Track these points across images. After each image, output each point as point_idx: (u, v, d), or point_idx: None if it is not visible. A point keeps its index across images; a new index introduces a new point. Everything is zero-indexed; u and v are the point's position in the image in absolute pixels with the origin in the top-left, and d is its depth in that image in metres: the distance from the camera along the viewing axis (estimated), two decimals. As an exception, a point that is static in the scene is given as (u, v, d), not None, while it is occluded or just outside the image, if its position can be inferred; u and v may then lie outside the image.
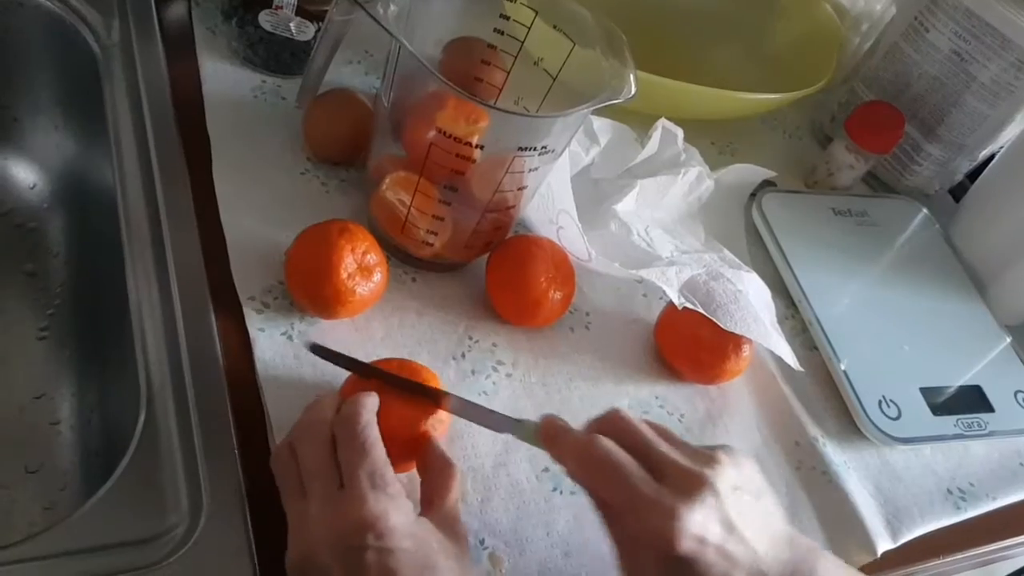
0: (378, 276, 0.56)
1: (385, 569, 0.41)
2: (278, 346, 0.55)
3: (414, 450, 0.49)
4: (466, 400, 0.51)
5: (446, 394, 0.51)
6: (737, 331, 0.60)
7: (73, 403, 0.66)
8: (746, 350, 0.62)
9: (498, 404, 0.58)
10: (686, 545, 0.42)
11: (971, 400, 0.70)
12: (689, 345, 0.62)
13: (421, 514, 0.46)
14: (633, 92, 0.53)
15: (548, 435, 0.48)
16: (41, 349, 0.68)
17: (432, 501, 0.47)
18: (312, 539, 0.43)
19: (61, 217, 0.74)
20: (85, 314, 0.69)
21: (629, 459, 0.44)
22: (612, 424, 0.47)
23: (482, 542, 0.52)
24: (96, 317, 0.67)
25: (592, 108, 0.53)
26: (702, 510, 0.43)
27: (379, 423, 0.46)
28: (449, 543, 0.45)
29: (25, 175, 0.75)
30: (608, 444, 0.45)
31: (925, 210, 0.84)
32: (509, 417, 0.51)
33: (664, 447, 0.45)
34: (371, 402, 0.47)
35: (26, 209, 0.74)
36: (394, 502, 0.43)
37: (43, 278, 0.71)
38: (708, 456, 0.45)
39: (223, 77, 0.68)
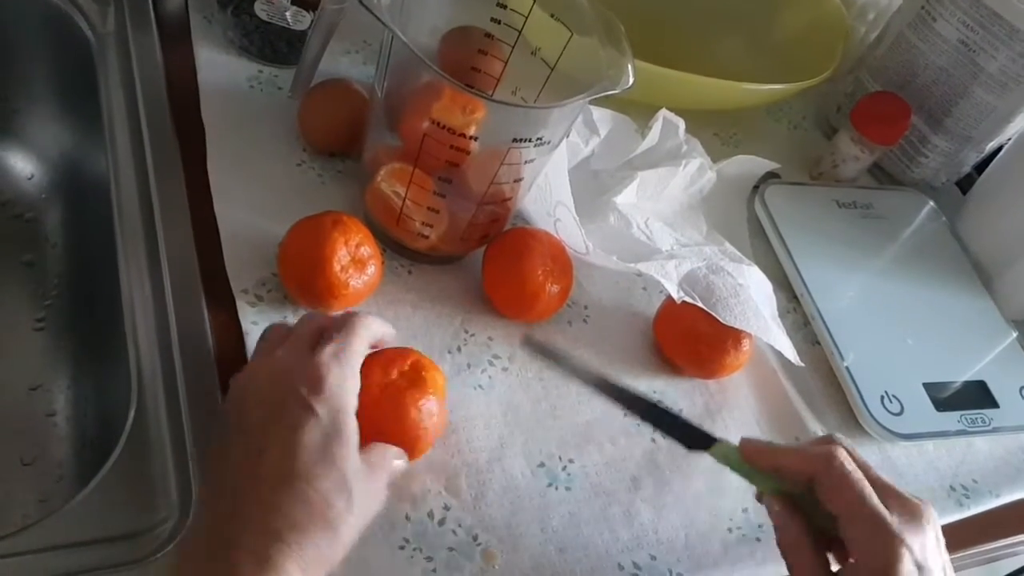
0: (372, 269, 0.55)
1: (294, 420, 0.43)
2: (271, 339, 0.55)
3: (401, 440, 0.49)
4: (661, 408, 0.52)
5: (638, 399, 0.51)
6: (737, 325, 0.59)
7: (69, 394, 0.66)
8: (746, 344, 0.61)
9: (495, 398, 0.57)
10: (906, 569, 0.43)
11: (975, 396, 0.69)
12: (688, 339, 0.62)
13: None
14: (631, 82, 0.52)
15: (752, 452, 0.49)
16: (38, 340, 0.68)
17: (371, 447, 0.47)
18: (263, 369, 0.46)
19: (59, 208, 0.74)
20: (81, 305, 0.69)
21: (862, 476, 0.46)
22: (827, 467, 0.47)
23: (475, 537, 0.51)
24: (92, 308, 0.66)
25: (588, 98, 0.52)
26: (924, 540, 0.45)
27: (371, 410, 0.47)
28: (360, 463, 0.44)
29: (23, 165, 0.75)
30: (846, 457, 0.47)
31: (931, 202, 0.83)
32: (708, 435, 0.50)
33: (884, 477, 0.47)
34: (380, 324, 0.50)
35: (24, 199, 0.74)
36: (341, 374, 0.45)
37: (41, 269, 0.71)
38: (918, 499, 0.47)
39: (218, 66, 0.67)
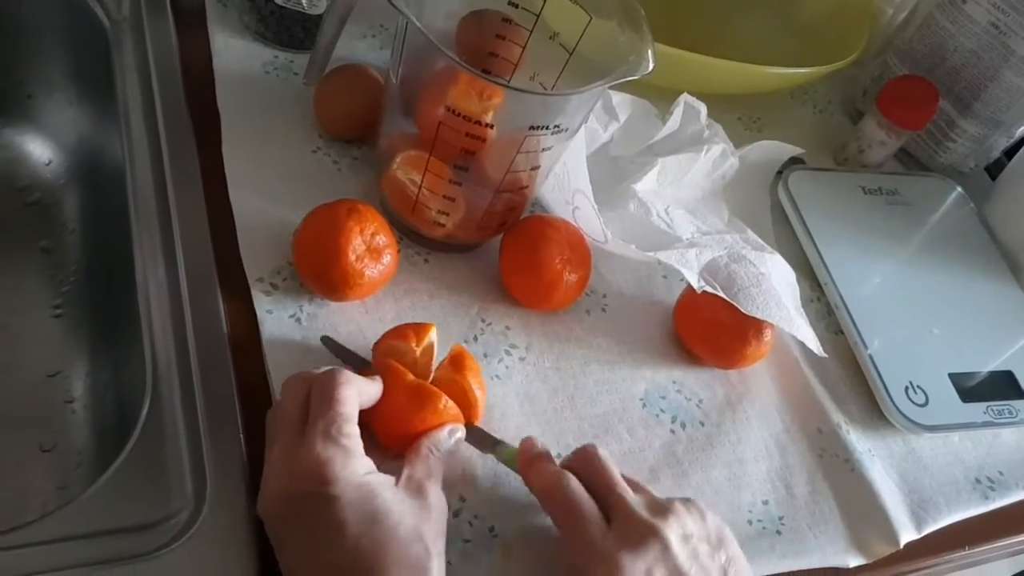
0: (387, 258, 0.55)
1: (327, 518, 0.42)
2: (286, 329, 0.54)
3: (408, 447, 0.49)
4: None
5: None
6: (758, 315, 0.58)
7: (87, 381, 0.66)
8: (768, 335, 0.60)
9: (511, 388, 0.57)
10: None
11: (1002, 386, 0.68)
12: (708, 329, 0.61)
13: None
14: (651, 67, 0.51)
15: (525, 461, 0.50)
16: (56, 326, 0.68)
17: (402, 469, 0.47)
18: (268, 486, 0.44)
19: (76, 193, 0.74)
20: (99, 291, 0.69)
21: (589, 502, 0.47)
22: (586, 460, 0.49)
23: (491, 529, 0.51)
24: (109, 295, 0.66)
25: (607, 85, 0.51)
26: (645, 561, 0.44)
27: (379, 418, 0.47)
28: (410, 500, 0.44)
29: (41, 151, 0.75)
30: (574, 484, 0.47)
31: (959, 188, 0.81)
32: (490, 436, 0.52)
33: (626, 494, 0.47)
34: (355, 379, 0.47)
35: (42, 185, 0.74)
36: (343, 451, 0.43)
37: (58, 255, 0.71)
38: (664, 507, 0.47)
39: (234, 52, 0.67)
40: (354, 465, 0.43)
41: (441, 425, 0.49)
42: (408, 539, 0.42)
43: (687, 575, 0.44)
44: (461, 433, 0.50)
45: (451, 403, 0.50)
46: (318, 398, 0.45)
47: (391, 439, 0.49)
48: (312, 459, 0.43)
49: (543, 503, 0.49)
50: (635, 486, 0.49)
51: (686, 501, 0.49)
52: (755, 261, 0.61)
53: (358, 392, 0.46)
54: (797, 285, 0.64)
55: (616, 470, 0.49)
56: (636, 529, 0.45)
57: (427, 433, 0.49)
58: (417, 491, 0.45)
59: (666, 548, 0.45)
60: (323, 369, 0.47)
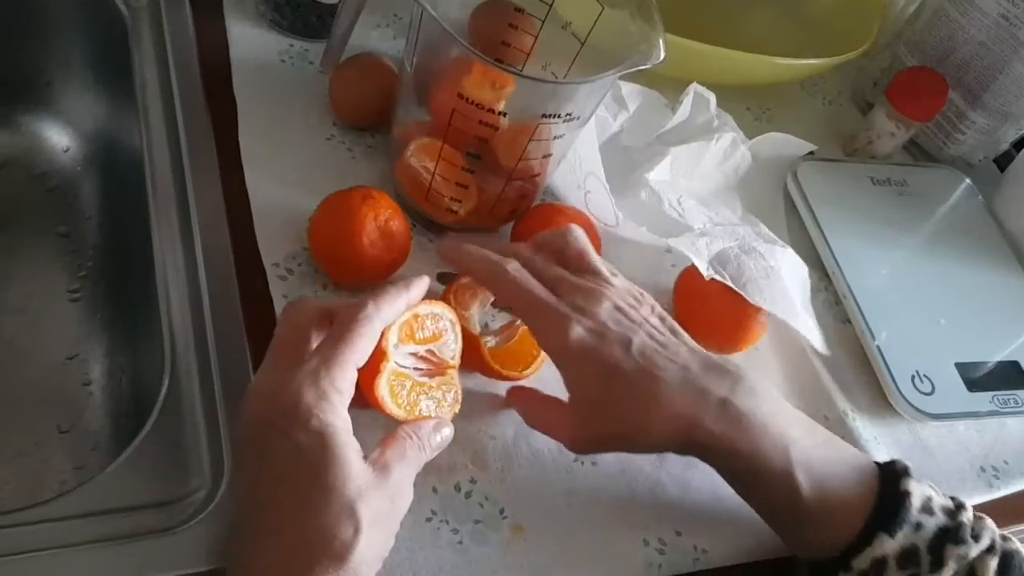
0: (401, 244, 0.56)
1: (282, 458, 0.41)
2: (301, 312, 0.55)
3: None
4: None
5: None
6: (766, 307, 0.59)
7: (104, 364, 0.67)
8: (762, 316, 0.60)
9: (521, 373, 0.58)
10: (575, 334, 0.47)
11: (1008, 376, 0.68)
12: (702, 316, 0.61)
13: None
14: (662, 57, 0.52)
15: (444, 251, 0.52)
16: (74, 310, 0.69)
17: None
18: (245, 406, 0.43)
19: (93, 180, 0.75)
20: (116, 276, 0.70)
21: (533, 282, 0.49)
22: (521, 258, 0.51)
23: (501, 511, 0.52)
24: (126, 279, 0.67)
25: (619, 74, 0.51)
26: (598, 310, 0.48)
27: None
28: (367, 476, 0.41)
29: (59, 138, 0.76)
30: (516, 267, 0.49)
31: (968, 180, 0.81)
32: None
33: (558, 270, 0.50)
34: (387, 310, 0.45)
35: (60, 172, 0.75)
36: (326, 402, 0.41)
37: (76, 240, 0.72)
38: (600, 277, 0.51)
39: (250, 41, 0.68)
40: (329, 419, 0.41)
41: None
42: (340, 511, 0.40)
43: (640, 322, 0.49)
44: (448, 432, 0.47)
45: (452, 397, 0.49)
46: (336, 327, 0.43)
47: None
48: (292, 396, 0.41)
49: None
50: (557, 281, 0.50)
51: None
52: (766, 254, 0.61)
53: (383, 321, 0.44)
54: (809, 281, 0.65)
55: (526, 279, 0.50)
56: (583, 292, 0.49)
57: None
58: (382, 470, 0.42)
59: (614, 304, 0.49)
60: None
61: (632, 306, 0.50)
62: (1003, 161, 0.86)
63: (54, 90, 0.75)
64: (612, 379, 0.47)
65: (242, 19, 0.69)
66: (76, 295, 0.70)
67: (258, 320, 0.54)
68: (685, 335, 0.51)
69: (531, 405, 0.53)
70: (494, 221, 0.62)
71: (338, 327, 0.43)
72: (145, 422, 0.49)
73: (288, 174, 0.61)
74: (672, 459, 0.57)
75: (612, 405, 0.48)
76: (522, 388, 0.55)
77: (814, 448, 0.49)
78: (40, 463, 0.61)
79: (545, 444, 0.55)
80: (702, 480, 0.57)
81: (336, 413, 0.41)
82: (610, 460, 0.56)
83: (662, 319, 0.51)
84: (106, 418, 0.64)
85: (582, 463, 0.55)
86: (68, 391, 0.65)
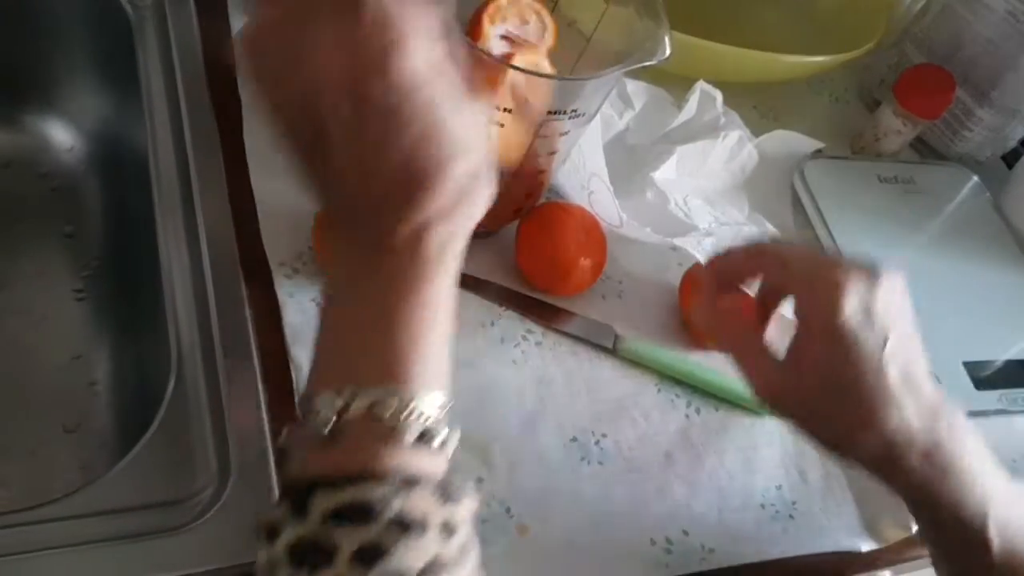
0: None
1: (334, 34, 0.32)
2: (307, 312, 0.55)
3: None
4: None
5: None
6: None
7: (109, 364, 0.67)
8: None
9: (527, 373, 0.58)
10: (849, 305, 0.42)
11: (1016, 374, 0.68)
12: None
13: None
14: (667, 54, 0.52)
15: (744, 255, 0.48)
16: (79, 310, 0.69)
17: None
18: (313, 76, 0.33)
19: (98, 179, 0.75)
20: (121, 276, 0.70)
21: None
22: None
23: (508, 510, 0.52)
24: (131, 279, 0.67)
25: (624, 70, 0.51)
26: (874, 287, 0.43)
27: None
28: (433, 69, 0.34)
29: (63, 137, 0.76)
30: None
31: (976, 177, 0.81)
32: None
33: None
34: None
35: (64, 171, 0.75)
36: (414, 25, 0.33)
37: (81, 240, 0.72)
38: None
39: (255, 39, 0.67)
40: (422, 49, 0.33)
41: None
42: (426, 149, 0.34)
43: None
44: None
45: None
46: None
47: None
48: (384, 39, 0.32)
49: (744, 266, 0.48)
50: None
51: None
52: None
53: None
54: None
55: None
56: (850, 265, 0.44)
57: None
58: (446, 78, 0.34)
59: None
60: None
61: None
62: (1011, 158, 0.86)
63: (59, 89, 0.75)
64: (858, 381, 0.43)
65: (247, 17, 0.68)
66: (81, 295, 0.70)
67: (264, 319, 0.54)
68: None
69: (736, 327, 0.48)
70: (499, 220, 0.61)
71: None
72: (151, 421, 0.49)
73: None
74: (679, 459, 0.57)
75: (840, 402, 0.44)
76: (738, 298, 0.49)
77: (1013, 504, 0.46)
78: (47, 463, 0.61)
79: (551, 443, 0.55)
80: (709, 480, 0.57)
81: (427, 44, 0.34)
82: (617, 460, 0.56)
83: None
84: (112, 417, 0.64)
85: (588, 463, 0.55)
86: (74, 391, 0.65)
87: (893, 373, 0.43)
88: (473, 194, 0.36)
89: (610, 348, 0.59)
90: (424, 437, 0.35)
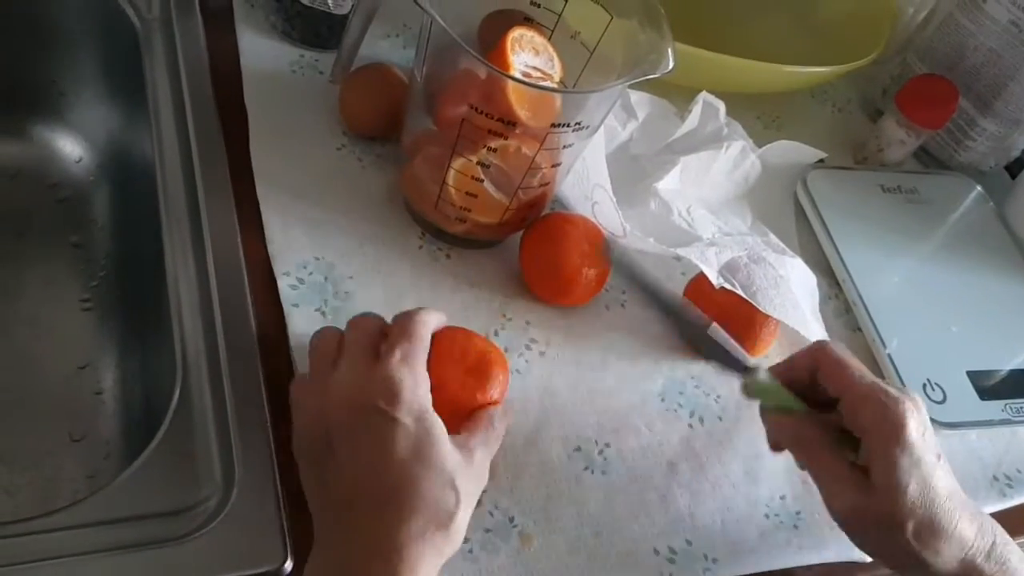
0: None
1: (384, 436, 0.43)
2: (312, 322, 0.55)
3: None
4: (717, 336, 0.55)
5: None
6: (776, 316, 0.58)
7: (116, 373, 0.67)
8: (771, 325, 0.60)
9: (532, 382, 0.58)
10: (913, 428, 0.47)
11: (1021, 384, 0.68)
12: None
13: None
14: (671, 66, 0.52)
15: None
16: (86, 319, 0.69)
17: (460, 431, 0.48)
18: (330, 398, 0.45)
19: (106, 190, 0.76)
20: (127, 286, 0.70)
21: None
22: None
23: (511, 519, 0.52)
24: (138, 289, 0.68)
25: (628, 83, 0.51)
26: (920, 412, 0.48)
27: (441, 392, 0.47)
28: (457, 453, 0.45)
29: (71, 149, 0.76)
30: (840, 346, 0.52)
31: (979, 187, 0.81)
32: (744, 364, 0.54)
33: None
34: (435, 316, 0.49)
35: (72, 182, 0.76)
36: (414, 380, 0.45)
37: (88, 250, 0.73)
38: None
39: (261, 51, 0.68)
40: (421, 396, 0.45)
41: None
42: (444, 484, 0.43)
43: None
44: (508, 421, 0.50)
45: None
46: (399, 329, 0.47)
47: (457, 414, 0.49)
48: (386, 377, 0.44)
49: (825, 374, 0.51)
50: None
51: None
52: (775, 264, 0.61)
53: (430, 330, 0.48)
54: (817, 291, 0.64)
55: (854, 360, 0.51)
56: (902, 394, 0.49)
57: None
58: (468, 452, 0.46)
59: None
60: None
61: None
62: (1015, 168, 0.86)
63: (66, 101, 0.75)
64: (921, 498, 0.47)
65: (253, 30, 0.69)
66: (88, 304, 0.70)
67: (269, 329, 0.55)
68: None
69: (814, 447, 0.51)
70: (503, 230, 0.62)
71: (401, 329, 0.47)
72: (157, 431, 0.49)
73: (299, 183, 0.61)
74: (682, 469, 0.57)
75: (913, 517, 0.47)
76: (809, 420, 0.51)
77: None
78: (53, 472, 0.62)
79: (555, 453, 0.55)
80: (712, 490, 0.57)
81: (424, 388, 0.45)
82: (620, 469, 0.56)
83: None
84: (118, 427, 0.65)
85: (592, 472, 0.55)
86: (80, 400, 0.65)
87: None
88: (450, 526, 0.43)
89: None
90: None
